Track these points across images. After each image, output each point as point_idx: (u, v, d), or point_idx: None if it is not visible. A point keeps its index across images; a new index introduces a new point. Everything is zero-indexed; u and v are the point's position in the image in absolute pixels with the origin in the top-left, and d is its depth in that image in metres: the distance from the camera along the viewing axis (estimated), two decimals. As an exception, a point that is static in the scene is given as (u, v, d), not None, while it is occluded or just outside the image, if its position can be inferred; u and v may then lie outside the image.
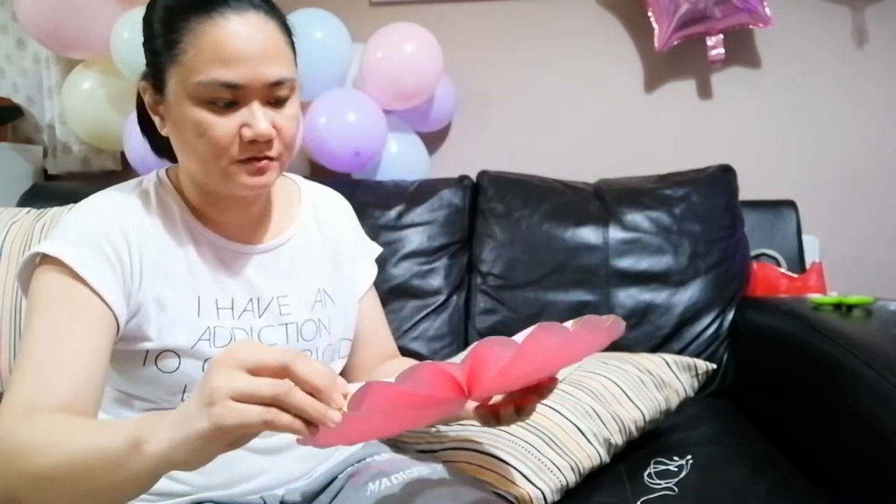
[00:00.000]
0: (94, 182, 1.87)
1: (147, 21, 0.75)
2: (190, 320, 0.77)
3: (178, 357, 0.76)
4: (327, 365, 0.83)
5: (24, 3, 1.68)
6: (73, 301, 0.70)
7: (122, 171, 2.10)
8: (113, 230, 0.74)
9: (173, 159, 0.83)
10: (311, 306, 0.85)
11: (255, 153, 0.73)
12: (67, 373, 0.67)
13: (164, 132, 0.78)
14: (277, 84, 0.73)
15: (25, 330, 0.70)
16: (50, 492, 0.59)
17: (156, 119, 0.78)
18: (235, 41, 0.69)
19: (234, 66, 0.69)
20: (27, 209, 1.56)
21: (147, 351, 0.75)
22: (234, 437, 0.53)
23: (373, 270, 1.00)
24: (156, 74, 0.75)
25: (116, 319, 0.73)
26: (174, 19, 0.71)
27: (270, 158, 0.74)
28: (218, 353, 0.56)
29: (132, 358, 0.76)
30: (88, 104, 1.81)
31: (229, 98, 0.71)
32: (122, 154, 1.99)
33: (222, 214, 0.82)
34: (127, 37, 1.58)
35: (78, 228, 0.74)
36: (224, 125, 0.71)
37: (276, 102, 0.74)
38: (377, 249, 1.02)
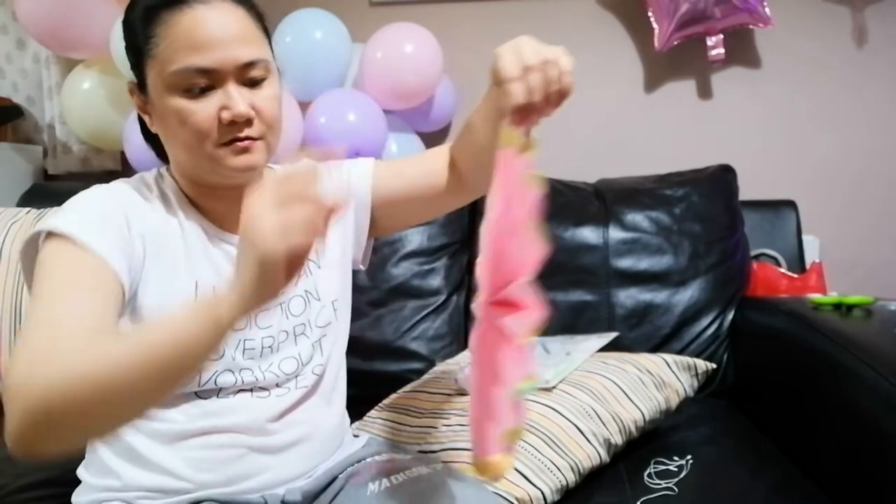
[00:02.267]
0: (94, 182, 1.86)
1: (126, 23, 0.77)
2: (188, 302, 0.77)
3: None
4: (324, 332, 0.86)
5: (24, 3, 1.68)
6: (82, 266, 0.69)
7: (122, 171, 2.10)
8: (114, 212, 0.75)
9: None
10: (294, 281, 0.85)
11: (236, 133, 0.75)
12: (81, 328, 0.65)
13: (153, 129, 0.79)
14: (250, 65, 0.74)
15: (33, 296, 0.68)
16: (103, 389, 0.56)
17: (146, 118, 0.80)
18: (204, 27, 0.72)
19: (205, 50, 0.72)
20: (27, 209, 1.56)
21: None
22: (288, 261, 0.56)
23: (365, 170, 0.93)
24: (138, 73, 0.77)
25: (123, 287, 0.72)
26: (150, 16, 0.73)
27: (253, 139, 0.76)
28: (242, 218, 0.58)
29: None
30: (88, 104, 1.81)
31: (204, 83, 0.73)
32: (122, 154, 1.98)
33: (218, 205, 0.83)
34: (127, 37, 1.58)
35: (81, 207, 0.75)
36: (203, 110, 0.73)
37: (253, 84, 0.76)
38: (366, 160, 0.96)
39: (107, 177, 2.07)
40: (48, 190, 1.84)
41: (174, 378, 0.59)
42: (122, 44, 0.79)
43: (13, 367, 0.59)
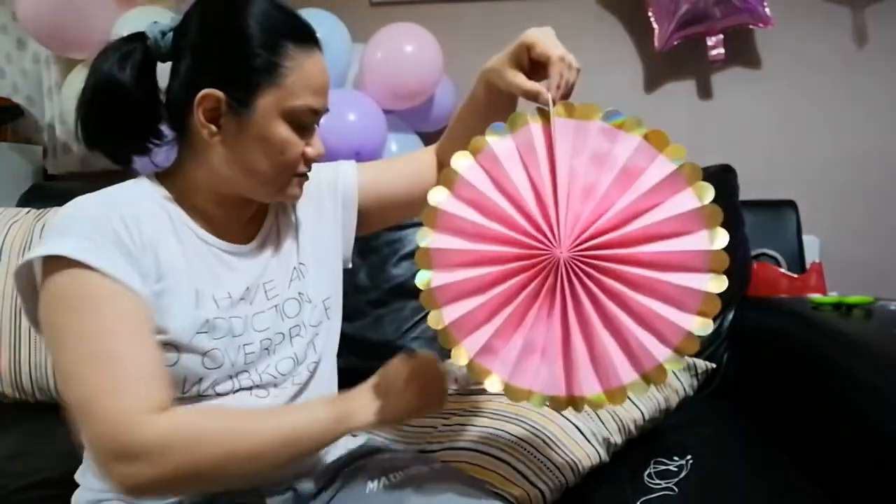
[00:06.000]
0: (94, 182, 1.86)
1: (239, 36, 0.75)
2: (188, 312, 0.76)
3: (178, 350, 0.76)
4: (317, 331, 0.89)
5: (24, 3, 1.68)
6: (114, 300, 0.70)
7: (122, 171, 2.09)
8: (113, 218, 0.74)
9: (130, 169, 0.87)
10: (288, 284, 0.87)
11: (307, 169, 0.83)
12: (150, 374, 0.70)
13: (212, 140, 0.77)
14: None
15: (72, 335, 0.69)
16: (246, 466, 0.70)
17: (206, 126, 0.76)
18: (324, 74, 0.81)
19: (322, 96, 0.80)
20: (27, 209, 1.56)
21: None
22: None
23: (352, 170, 0.98)
24: (241, 88, 0.75)
25: (150, 309, 0.73)
26: (276, 45, 0.76)
27: None
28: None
29: None
30: (88, 104, 1.81)
31: (312, 122, 0.80)
32: (122, 154, 1.99)
33: (224, 215, 0.83)
34: (127, 37, 1.58)
35: (79, 222, 0.73)
36: (300, 145, 0.80)
37: None
38: (347, 162, 1.01)
39: (107, 177, 2.07)
40: (48, 190, 1.84)
41: (297, 457, 0.73)
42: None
43: (107, 421, 0.66)
